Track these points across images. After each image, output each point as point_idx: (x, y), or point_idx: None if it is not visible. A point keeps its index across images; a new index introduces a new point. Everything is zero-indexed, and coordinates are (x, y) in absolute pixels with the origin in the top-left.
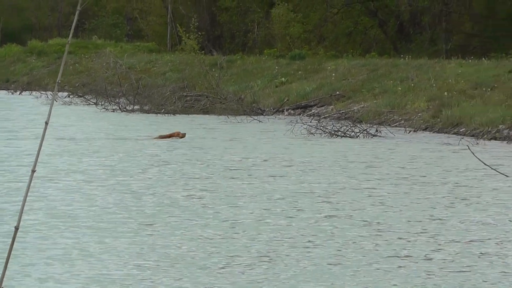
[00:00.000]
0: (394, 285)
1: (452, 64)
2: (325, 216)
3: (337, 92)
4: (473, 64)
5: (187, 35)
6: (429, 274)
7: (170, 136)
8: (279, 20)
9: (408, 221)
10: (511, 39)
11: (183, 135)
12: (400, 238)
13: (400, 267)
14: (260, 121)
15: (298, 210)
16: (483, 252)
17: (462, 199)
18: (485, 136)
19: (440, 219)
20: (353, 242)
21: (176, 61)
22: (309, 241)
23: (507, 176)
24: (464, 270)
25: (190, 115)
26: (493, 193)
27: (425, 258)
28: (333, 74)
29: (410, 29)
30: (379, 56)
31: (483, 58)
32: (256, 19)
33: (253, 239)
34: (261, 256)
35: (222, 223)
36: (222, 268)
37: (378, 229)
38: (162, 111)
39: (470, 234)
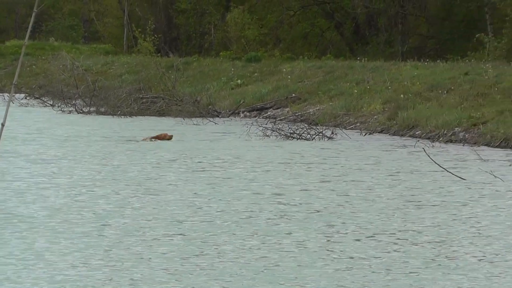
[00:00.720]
0: (340, 286)
1: (408, 67)
2: (270, 219)
3: (293, 95)
4: (429, 67)
5: (143, 37)
6: (372, 274)
7: (157, 137)
8: (235, 23)
9: (355, 223)
10: (467, 41)
11: (170, 137)
12: (355, 240)
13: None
14: (216, 123)
15: (247, 211)
16: (428, 255)
17: (413, 201)
18: (441, 138)
19: (388, 220)
20: (300, 244)
21: (133, 63)
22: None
23: (463, 179)
24: (409, 272)
25: (146, 117)
26: (447, 196)
27: (368, 258)
28: (289, 76)
29: (366, 31)
30: (335, 58)
31: (439, 61)
32: (212, 22)
33: (205, 241)
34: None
35: (173, 223)
36: (177, 269)
37: (326, 231)
38: (118, 113)
39: (420, 235)
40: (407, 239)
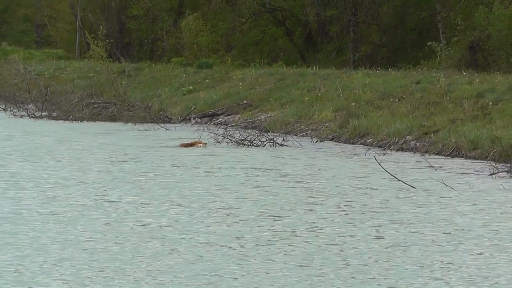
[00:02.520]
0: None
1: (360, 75)
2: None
3: (244, 101)
4: (381, 75)
5: (95, 42)
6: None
7: (192, 144)
8: (188, 29)
9: (293, 230)
10: (419, 50)
11: (204, 144)
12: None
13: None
14: (167, 129)
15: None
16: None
17: (355, 207)
18: (392, 147)
19: (336, 228)
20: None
21: (85, 68)
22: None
23: (414, 187)
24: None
25: (97, 122)
26: (395, 204)
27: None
28: (241, 83)
29: (318, 39)
30: (287, 65)
31: (391, 69)
32: (164, 28)
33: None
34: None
35: (106, 226)
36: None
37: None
38: (70, 118)
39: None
40: (344, 243)
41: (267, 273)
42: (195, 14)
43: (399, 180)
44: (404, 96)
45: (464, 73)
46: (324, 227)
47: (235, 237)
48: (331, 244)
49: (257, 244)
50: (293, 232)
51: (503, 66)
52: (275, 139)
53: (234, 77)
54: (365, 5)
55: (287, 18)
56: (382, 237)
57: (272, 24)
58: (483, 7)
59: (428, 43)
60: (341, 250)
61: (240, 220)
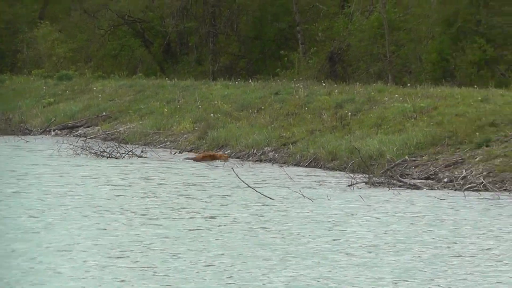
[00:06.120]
0: None
1: (219, 86)
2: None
3: (104, 113)
4: (240, 86)
5: None
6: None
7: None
8: (45, 40)
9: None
10: (278, 60)
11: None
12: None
13: None
14: (27, 141)
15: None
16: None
17: (211, 219)
18: (251, 158)
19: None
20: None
21: None
22: None
23: (272, 198)
24: None
25: None
26: (253, 215)
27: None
28: (100, 95)
29: (177, 50)
30: (146, 77)
31: (250, 80)
32: (25, 40)
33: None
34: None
35: None
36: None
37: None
38: None
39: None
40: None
41: None
42: (48, 22)
43: (256, 191)
44: (263, 107)
45: (324, 84)
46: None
47: None
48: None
49: None
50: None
51: (363, 76)
52: (133, 150)
53: (94, 88)
54: (224, 16)
55: (146, 29)
56: (227, 244)
57: (131, 35)
58: (343, 17)
59: (287, 54)
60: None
61: None
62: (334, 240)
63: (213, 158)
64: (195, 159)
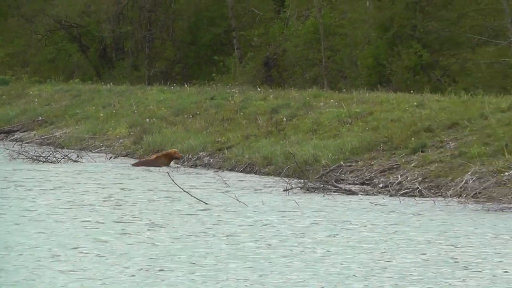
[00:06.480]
0: None
1: (155, 91)
2: None
3: (40, 118)
4: (176, 91)
5: None
6: None
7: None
8: None
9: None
10: (213, 65)
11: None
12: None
13: None
14: None
15: None
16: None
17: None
18: (186, 163)
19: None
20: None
21: None
22: None
23: (206, 203)
24: None
25: None
26: (190, 220)
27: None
28: (37, 100)
29: (113, 55)
30: (82, 82)
31: (186, 85)
32: None
33: None
34: None
35: None
36: None
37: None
38: None
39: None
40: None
41: None
42: None
43: (192, 196)
44: (198, 112)
45: (259, 89)
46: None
47: None
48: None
49: None
50: None
51: (298, 82)
52: (69, 155)
53: (31, 93)
54: (160, 21)
55: (83, 34)
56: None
57: (68, 40)
58: (279, 22)
59: (223, 59)
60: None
61: None
62: (267, 244)
63: (169, 157)
64: (143, 163)
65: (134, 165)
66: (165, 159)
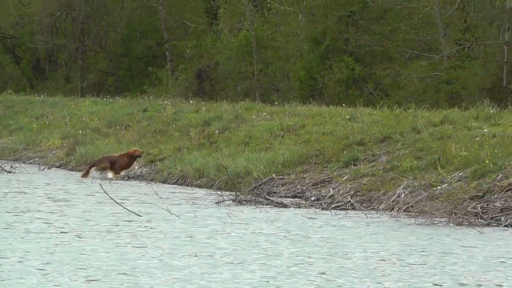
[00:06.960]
0: None
1: (87, 102)
2: None
3: None
4: (108, 103)
5: None
6: None
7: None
8: None
9: None
10: (146, 77)
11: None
12: None
13: None
14: None
15: None
16: None
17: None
18: (118, 175)
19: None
20: None
21: None
22: None
23: (139, 215)
24: None
25: None
26: (117, 231)
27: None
28: None
29: (46, 67)
30: (16, 93)
31: (118, 97)
32: None
33: None
34: None
35: None
36: None
37: None
38: None
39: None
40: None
41: None
42: None
43: (124, 207)
44: (131, 124)
45: (191, 101)
46: None
47: None
48: None
49: None
50: None
51: (231, 94)
52: (3, 166)
53: None
54: (93, 32)
55: (17, 45)
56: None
57: (1, 51)
58: (212, 35)
59: (155, 71)
60: None
61: None
62: (196, 256)
63: (130, 158)
64: (102, 168)
65: (83, 176)
66: (127, 159)
